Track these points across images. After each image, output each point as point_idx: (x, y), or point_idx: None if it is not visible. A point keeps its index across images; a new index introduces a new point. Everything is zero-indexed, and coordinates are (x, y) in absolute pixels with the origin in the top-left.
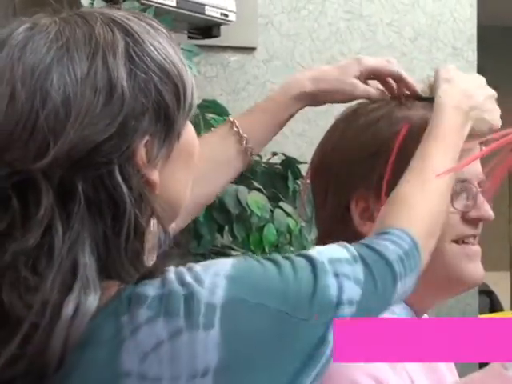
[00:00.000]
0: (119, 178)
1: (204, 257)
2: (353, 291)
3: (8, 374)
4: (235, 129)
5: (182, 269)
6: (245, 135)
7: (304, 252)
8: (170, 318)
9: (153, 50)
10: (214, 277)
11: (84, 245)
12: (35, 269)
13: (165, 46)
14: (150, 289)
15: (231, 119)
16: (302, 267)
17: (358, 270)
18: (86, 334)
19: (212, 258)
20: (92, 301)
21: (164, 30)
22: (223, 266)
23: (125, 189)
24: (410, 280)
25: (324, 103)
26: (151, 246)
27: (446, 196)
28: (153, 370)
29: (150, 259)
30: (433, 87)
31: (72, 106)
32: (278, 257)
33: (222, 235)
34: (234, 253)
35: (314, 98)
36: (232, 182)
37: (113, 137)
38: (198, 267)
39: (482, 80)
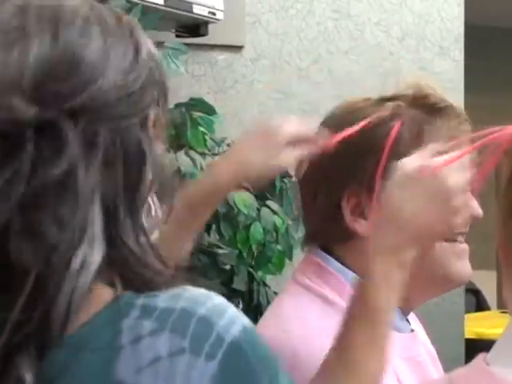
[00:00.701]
0: (140, 133)
1: (191, 255)
2: None
3: (11, 345)
4: None
5: (205, 292)
6: None
7: None
8: (176, 335)
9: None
10: (234, 316)
11: (96, 200)
12: (49, 216)
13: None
14: (160, 300)
15: None
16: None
17: None
18: (81, 338)
19: (199, 257)
20: (97, 256)
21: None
22: (243, 315)
23: (145, 145)
24: None
25: None
26: (155, 220)
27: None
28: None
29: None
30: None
31: (110, 51)
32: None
33: (208, 233)
34: (220, 251)
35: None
36: None
37: (136, 93)
38: (221, 298)
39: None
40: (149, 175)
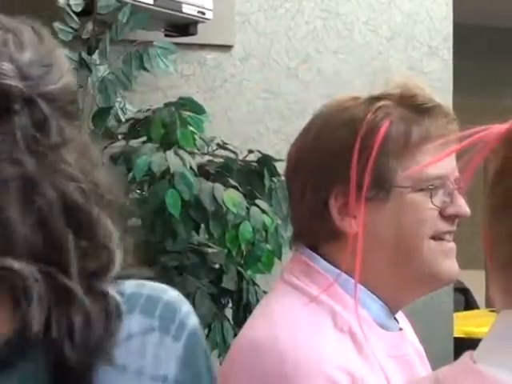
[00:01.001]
0: None
1: (180, 254)
2: None
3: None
4: None
5: (163, 285)
6: None
7: None
8: (146, 316)
9: None
10: (190, 310)
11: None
12: None
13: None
14: (127, 288)
15: None
16: None
17: None
18: None
19: (188, 256)
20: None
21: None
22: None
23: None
24: None
25: None
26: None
27: None
28: (121, 359)
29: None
30: None
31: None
32: None
33: (198, 233)
34: (210, 250)
35: None
36: (208, 180)
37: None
38: (176, 292)
39: None
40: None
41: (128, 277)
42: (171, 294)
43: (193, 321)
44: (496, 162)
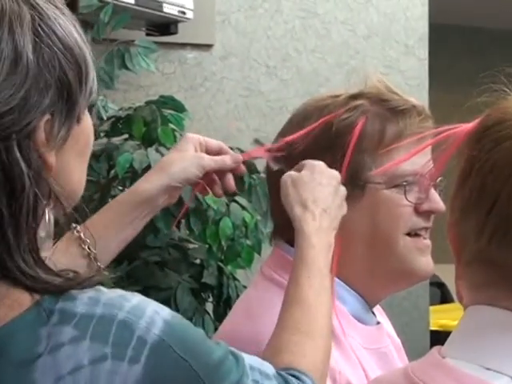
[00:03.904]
0: (17, 154)
1: (161, 249)
2: None
3: None
4: (77, 234)
5: (121, 293)
6: (87, 240)
7: (232, 349)
8: (97, 343)
9: (58, 27)
10: (153, 314)
11: None
12: None
13: (69, 26)
14: (79, 305)
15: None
16: (228, 357)
17: None
18: None
19: (169, 251)
20: None
21: (69, 12)
22: (162, 308)
23: (23, 166)
24: None
25: None
26: (46, 234)
27: (330, 333)
28: None
29: (45, 249)
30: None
31: None
32: (210, 340)
33: (179, 228)
34: (190, 246)
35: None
36: None
37: (14, 110)
38: (137, 298)
39: (331, 179)
40: (32, 195)
41: (85, 284)
42: (128, 306)
43: (156, 329)
44: (461, 162)
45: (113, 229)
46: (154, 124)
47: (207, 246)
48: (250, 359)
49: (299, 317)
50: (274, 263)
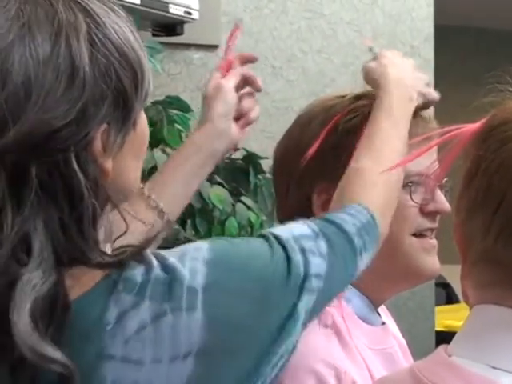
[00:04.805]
0: (75, 166)
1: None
2: (319, 266)
3: None
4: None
5: (163, 254)
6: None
7: (270, 231)
8: (155, 302)
9: (113, 34)
10: (193, 262)
11: (36, 231)
12: None
13: (124, 29)
14: (138, 275)
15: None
16: (275, 248)
17: (322, 245)
18: (72, 315)
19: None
20: (45, 287)
21: (124, 14)
22: (199, 250)
23: (81, 177)
24: (369, 254)
25: None
26: (105, 236)
27: (400, 170)
28: (136, 353)
29: (107, 246)
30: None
31: (33, 89)
32: (251, 238)
33: (184, 229)
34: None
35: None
36: None
37: (71, 123)
38: (177, 252)
39: (412, 63)
40: (91, 205)
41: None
42: (171, 265)
43: (200, 274)
44: (467, 163)
45: (180, 174)
46: (160, 124)
47: None
48: (291, 230)
49: (376, 143)
50: None
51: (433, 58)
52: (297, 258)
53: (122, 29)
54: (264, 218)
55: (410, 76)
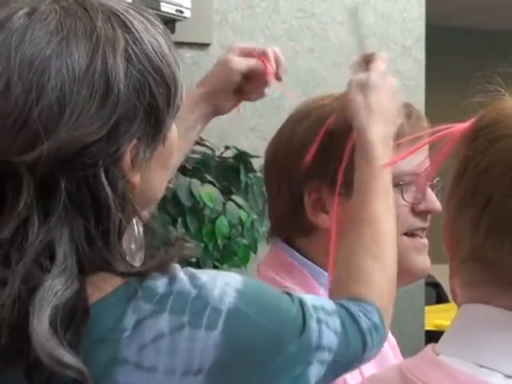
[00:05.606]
0: (104, 180)
1: (157, 248)
2: (331, 339)
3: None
4: None
5: (194, 271)
6: None
7: (293, 291)
8: (175, 314)
9: (150, 49)
10: (224, 286)
11: (61, 240)
12: (6, 261)
13: (161, 44)
14: (160, 286)
15: None
16: (296, 304)
17: (337, 323)
18: (90, 319)
19: (165, 250)
20: (66, 294)
21: (161, 26)
22: (234, 279)
23: (109, 192)
24: (374, 352)
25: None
26: (136, 246)
27: (395, 252)
28: (149, 360)
29: (136, 260)
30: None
31: (67, 104)
32: (280, 291)
33: (175, 227)
34: (187, 244)
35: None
36: (185, 175)
37: (103, 139)
38: (210, 274)
39: (394, 87)
40: (118, 219)
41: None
42: (200, 282)
43: (229, 298)
44: (457, 162)
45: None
46: None
47: (203, 244)
48: (311, 299)
49: (368, 237)
50: (272, 262)
51: (424, 58)
52: (312, 325)
53: (159, 43)
54: (255, 216)
55: (390, 107)
